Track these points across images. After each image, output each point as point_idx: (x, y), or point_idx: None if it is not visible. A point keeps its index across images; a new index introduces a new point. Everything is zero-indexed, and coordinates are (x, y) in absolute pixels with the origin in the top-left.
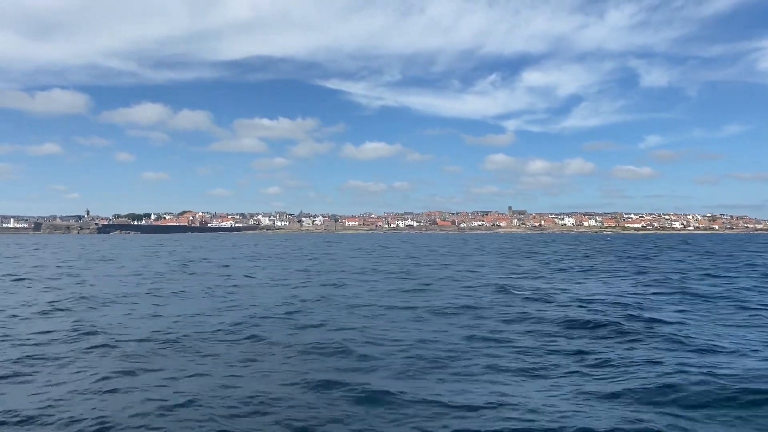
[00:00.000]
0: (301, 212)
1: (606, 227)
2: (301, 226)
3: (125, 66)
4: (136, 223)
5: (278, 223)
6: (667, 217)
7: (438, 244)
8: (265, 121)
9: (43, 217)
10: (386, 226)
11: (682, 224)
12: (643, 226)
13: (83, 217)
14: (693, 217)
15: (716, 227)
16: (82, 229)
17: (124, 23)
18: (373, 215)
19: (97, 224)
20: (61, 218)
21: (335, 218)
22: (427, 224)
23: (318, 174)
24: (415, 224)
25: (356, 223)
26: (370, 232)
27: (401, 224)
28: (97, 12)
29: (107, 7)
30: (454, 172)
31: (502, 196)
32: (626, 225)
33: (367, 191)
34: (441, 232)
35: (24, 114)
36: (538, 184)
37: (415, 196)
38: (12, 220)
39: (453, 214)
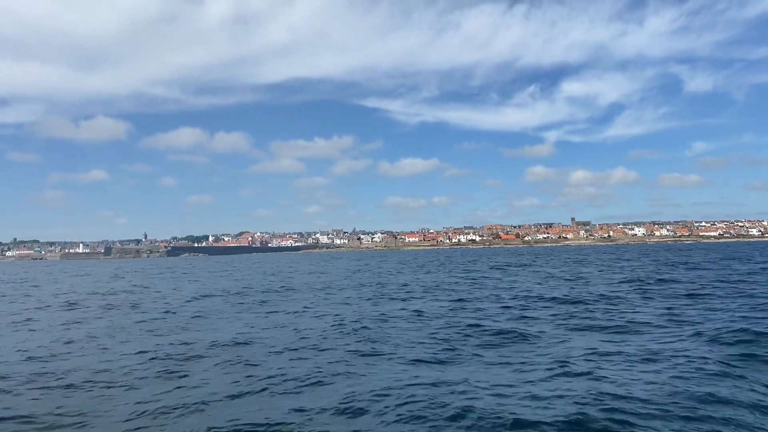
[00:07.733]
0: (354, 229)
1: (680, 236)
2: (360, 243)
3: (169, 93)
4: (196, 245)
5: (337, 241)
6: (741, 224)
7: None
8: (301, 142)
9: (99, 242)
10: (447, 241)
11: (760, 231)
12: (720, 234)
13: (141, 240)
14: None
15: None
16: (151, 252)
17: (168, 52)
18: (431, 230)
19: (166, 247)
20: (121, 242)
21: (394, 235)
22: (490, 238)
23: (357, 191)
24: (478, 238)
25: (416, 239)
26: (431, 248)
27: (463, 239)
28: (143, 42)
29: (152, 38)
30: (493, 185)
31: (544, 209)
32: (701, 233)
33: (407, 207)
34: (505, 246)
35: (71, 143)
36: (582, 195)
37: (456, 210)
38: (81, 245)
39: (515, 227)
